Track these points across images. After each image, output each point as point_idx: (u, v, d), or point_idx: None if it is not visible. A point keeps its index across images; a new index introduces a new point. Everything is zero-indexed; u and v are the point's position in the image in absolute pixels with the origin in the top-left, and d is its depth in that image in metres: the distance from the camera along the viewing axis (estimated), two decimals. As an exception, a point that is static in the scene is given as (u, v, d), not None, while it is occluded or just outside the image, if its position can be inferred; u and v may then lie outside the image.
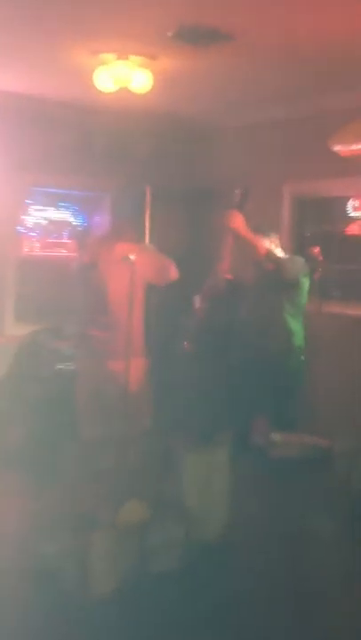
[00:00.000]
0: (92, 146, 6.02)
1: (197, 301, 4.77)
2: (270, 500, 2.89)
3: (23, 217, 6.21)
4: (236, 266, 4.55)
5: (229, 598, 2.29)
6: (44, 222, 6.33)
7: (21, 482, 4.36)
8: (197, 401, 3.81)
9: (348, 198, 5.91)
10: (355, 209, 5.92)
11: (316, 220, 6.15)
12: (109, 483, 2.57)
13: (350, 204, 5.91)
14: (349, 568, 2.55)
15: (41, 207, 6.31)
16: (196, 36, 4.21)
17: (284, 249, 4.68)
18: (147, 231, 5.00)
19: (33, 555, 2.38)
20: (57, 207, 6.38)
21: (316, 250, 5.02)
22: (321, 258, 4.99)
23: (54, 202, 6.36)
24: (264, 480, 3.07)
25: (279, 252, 4.58)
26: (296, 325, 4.57)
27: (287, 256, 4.57)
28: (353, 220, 5.90)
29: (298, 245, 6.06)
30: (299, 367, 4.58)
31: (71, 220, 6.48)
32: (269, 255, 4.31)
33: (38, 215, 6.29)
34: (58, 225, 6.39)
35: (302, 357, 4.56)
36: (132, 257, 3.83)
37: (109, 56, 4.60)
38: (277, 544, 2.63)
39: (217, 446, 2.60)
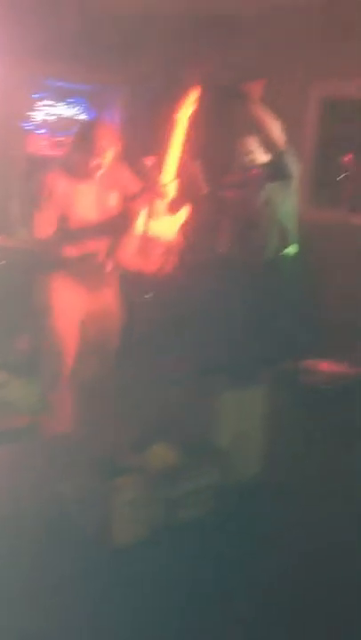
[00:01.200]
0: (104, 33, 5.52)
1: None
2: (305, 436, 2.76)
3: (30, 112, 5.79)
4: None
5: (264, 547, 2.16)
6: (51, 119, 5.90)
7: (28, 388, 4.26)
8: (234, 336, 3.60)
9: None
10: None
11: (343, 123, 5.72)
12: (136, 424, 2.39)
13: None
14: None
15: (49, 102, 5.87)
16: None
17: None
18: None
19: (51, 495, 2.23)
20: (66, 102, 5.94)
21: (348, 158, 4.67)
22: (354, 166, 4.66)
23: (63, 97, 5.91)
24: (298, 412, 2.93)
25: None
26: (290, 226, 4.34)
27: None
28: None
29: (324, 150, 5.67)
30: (296, 274, 4.40)
31: (81, 116, 6.05)
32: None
33: (46, 111, 5.86)
34: (66, 122, 5.96)
35: (298, 264, 4.37)
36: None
37: None
38: (313, 485, 2.51)
39: (255, 384, 2.41)
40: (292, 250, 4.33)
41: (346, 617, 2.05)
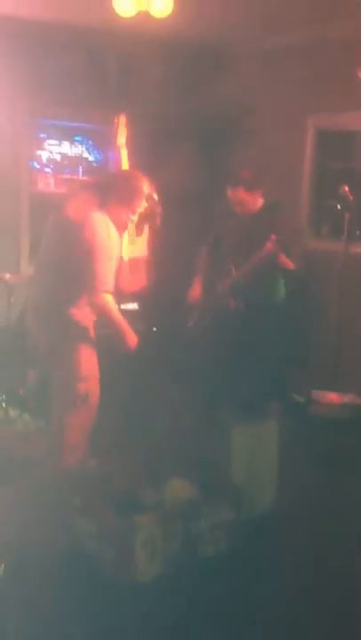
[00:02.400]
0: (106, 74, 5.70)
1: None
2: (315, 467, 2.81)
3: (37, 151, 5.94)
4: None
5: (281, 581, 2.21)
6: (58, 157, 6.05)
7: (37, 426, 4.32)
8: (244, 370, 3.68)
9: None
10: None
11: (339, 155, 5.87)
12: (152, 458, 2.46)
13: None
14: None
15: (55, 141, 6.02)
16: None
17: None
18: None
19: (70, 532, 2.29)
20: (71, 142, 6.09)
21: (346, 188, 4.78)
22: (351, 197, 4.76)
23: (68, 136, 6.06)
24: (306, 442, 2.98)
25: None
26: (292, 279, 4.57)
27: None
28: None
29: (321, 182, 5.81)
30: (301, 305, 4.72)
31: (86, 155, 6.20)
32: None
33: (52, 150, 6.01)
34: (72, 160, 6.11)
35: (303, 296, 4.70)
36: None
37: (129, -24, 4.24)
38: (326, 516, 2.57)
39: (266, 417, 2.49)
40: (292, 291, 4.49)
41: None
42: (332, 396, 4.07)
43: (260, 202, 4.49)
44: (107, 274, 3.33)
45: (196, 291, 4.57)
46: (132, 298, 4.76)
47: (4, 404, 4.79)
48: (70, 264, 3.37)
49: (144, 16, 4.43)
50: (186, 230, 5.04)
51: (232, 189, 4.40)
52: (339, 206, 4.86)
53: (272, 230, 4.19)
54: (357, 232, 5.55)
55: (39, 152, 5.93)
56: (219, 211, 4.63)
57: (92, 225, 3.31)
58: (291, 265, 4.31)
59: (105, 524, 2.23)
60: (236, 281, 4.34)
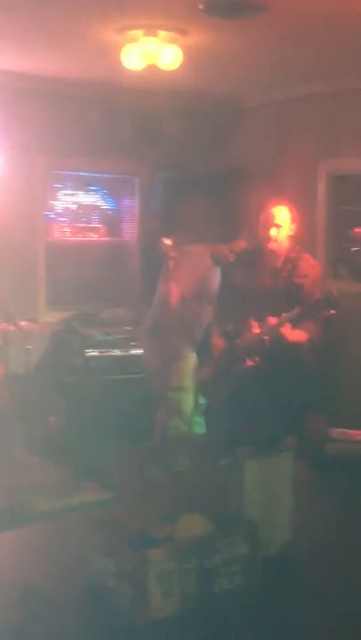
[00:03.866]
0: (120, 126, 5.86)
1: None
2: (332, 505, 2.77)
3: (52, 201, 6.08)
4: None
5: (296, 618, 2.16)
6: (73, 206, 6.19)
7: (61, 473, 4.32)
8: (259, 405, 3.67)
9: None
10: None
11: (352, 198, 5.94)
12: (166, 494, 2.44)
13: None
14: None
15: (70, 191, 6.17)
16: (228, 9, 4.00)
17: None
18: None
19: (86, 569, 2.28)
20: (86, 191, 6.24)
21: (357, 230, 4.83)
22: (363, 238, 4.81)
23: (83, 185, 6.22)
24: (323, 481, 2.94)
25: None
26: None
27: None
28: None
29: (334, 224, 5.87)
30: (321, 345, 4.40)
31: (100, 203, 6.34)
32: None
33: (67, 199, 6.16)
34: (87, 209, 6.25)
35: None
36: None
37: (137, 32, 4.40)
38: (343, 554, 2.52)
39: (281, 452, 2.47)
40: None
41: None
42: (352, 433, 4.03)
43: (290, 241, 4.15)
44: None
45: (216, 342, 4.30)
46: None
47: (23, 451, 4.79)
48: None
49: (154, 69, 4.58)
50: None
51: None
52: (355, 248, 4.90)
53: (298, 274, 4.04)
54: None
55: (54, 202, 6.07)
56: (242, 249, 4.28)
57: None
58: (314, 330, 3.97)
59: (121, 561, 2.21)
60: (258, 339, 3.93)
